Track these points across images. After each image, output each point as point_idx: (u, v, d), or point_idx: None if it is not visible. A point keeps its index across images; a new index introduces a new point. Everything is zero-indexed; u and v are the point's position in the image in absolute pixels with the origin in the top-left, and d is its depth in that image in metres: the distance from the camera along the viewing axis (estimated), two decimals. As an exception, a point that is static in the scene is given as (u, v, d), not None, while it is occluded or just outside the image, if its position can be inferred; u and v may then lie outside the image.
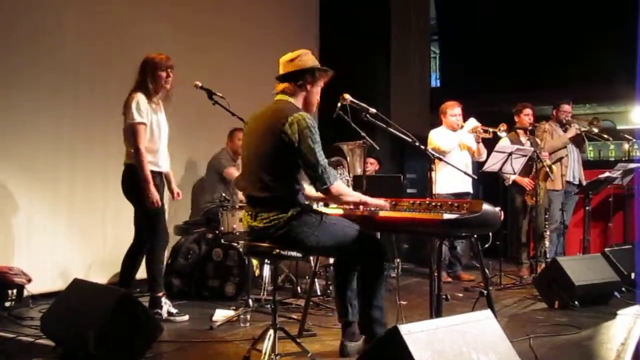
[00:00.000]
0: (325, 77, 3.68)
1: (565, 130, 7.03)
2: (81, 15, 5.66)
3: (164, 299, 4.78)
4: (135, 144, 4.58)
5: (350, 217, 3.77)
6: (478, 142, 6.60)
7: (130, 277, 4.81)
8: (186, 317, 4.78)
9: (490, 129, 6.48)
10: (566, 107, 7.09)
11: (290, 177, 3.47)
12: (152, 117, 4.70)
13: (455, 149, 6.50)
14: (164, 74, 4.74)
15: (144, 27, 6.23)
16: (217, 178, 6.43)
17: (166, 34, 6.44)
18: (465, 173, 4.30)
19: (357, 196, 3.64)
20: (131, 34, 6.06)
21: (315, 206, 4.00)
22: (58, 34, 5.49)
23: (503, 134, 6.50)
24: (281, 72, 3.63)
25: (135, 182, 4.62)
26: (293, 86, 3.59)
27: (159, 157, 4.78)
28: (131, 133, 4.60)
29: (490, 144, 6.52)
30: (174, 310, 4.79)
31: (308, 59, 3.62)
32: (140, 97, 4.62)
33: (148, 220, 4.72)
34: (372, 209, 3.69)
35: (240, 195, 6.35)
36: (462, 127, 6.59)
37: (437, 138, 6.53)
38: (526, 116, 6.95)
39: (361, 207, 3.78)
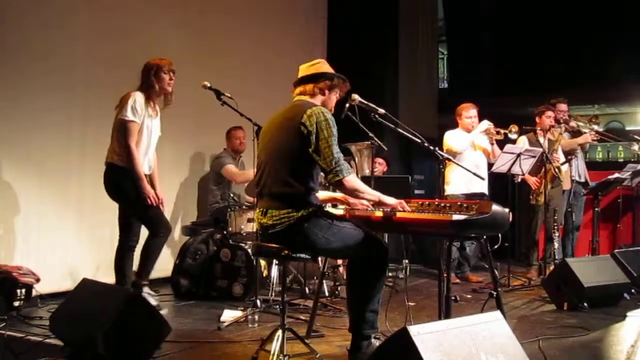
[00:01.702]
0: (342, 87, 3.72)
1: (566, 130, 7.04)
2: (91, 15, 5.68)
3: (146, 289, 4.82)
4: (125, 141, 4.61)
5: (361, 218, 3.76)
6: (492, 144, 6.59)
7: (124, 278, 4.85)
8: (165, 312, 4.85)
9: (502, 130, 6.47)
10: (562, 106, 7.10)
11: (306, 174, 3.47)
12: (145, 119, 4.73)
13: (468, 150, 6.49)
14: (167, 76, 4.78)
15: (154, 29, 6.26)
16: (216, 178, 6.45)
17: (175, 35, 6.47)
18: (474, 174, 4.27)
19: (375, 195, 3.58)
20: (141, 34, 6.08)
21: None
22: (68, 34, 5.51)
23: (514, 136, 6.49)
24: (300, 75, 3.69)
25: (119, 181, 4.65)
26: (312, 88, 3.63)
27: (143, 160, 4.79)
28: (121, 129, 4.62)
29: (502, 145, 6.50)
30: (154, 303, 4.81)
31: (327, 67, 3.71)
32: (138, 97, 4.66)
33: (146, 214, 4.75)
34: (388, 210, 3.66)
35: (248, 197, 6.37)
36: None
37: (450, 139, 6.52)
38: (548, 118, 6.92)
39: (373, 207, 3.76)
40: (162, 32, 6.31)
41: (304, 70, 3.72)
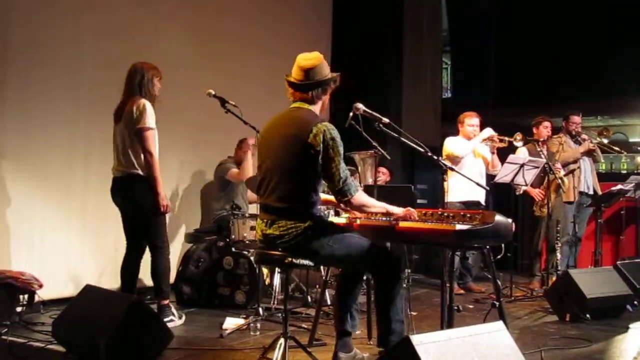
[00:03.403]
0: (338, 80, 3.67)
1: (576, 142, 7.02)
2: (96, 17, 5.69)
3: (172, 307, 4.83)
4: (149, 149, 4.59)
5: (364, 227, 3.77)
6: (493, 153, 6.59)
7: (132, 285, 4.84)
8: (183, 318, 4.93)
9: (506, 138, 6.47)
10: (576, 119, 7.08)
11: (309, 188, 3.47)
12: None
13: (470, 157, 6.49)
14: (159, 83, 4.79)
15: (160, 31, 6.29)
16: (221, 185, 6.44)
17: (182, 38, 6.51)
18: (477, 184, 4.29)
19: (382, 206, 3.61)
20: (147, 38, 6.10)
21: (328, 212, 4.01)
22: (73, 35, 5.53)
23: (519, 144, 6.49)
24: (300, 78, 3.55)
25: (139, 190, 4.63)
26: (314, 96, 3.57)
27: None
28: (143, 138, 4.59)
29: (505, 154, 6.50)
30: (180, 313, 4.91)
31: (325, 66, 3.59)
32: (148, 104, 4.65)
33: (156, 228, 4.73)
34: (394, 219, 3.67)
35: (251, 195, 6.37)
36: None
37: (452, 144, 6.52)
38: (545, 129, 6.94)
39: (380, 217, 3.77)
40: (165, 35, 6.34)
41: (305, 73, 3.53)
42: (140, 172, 4.64)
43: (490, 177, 6.68)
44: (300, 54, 3.62)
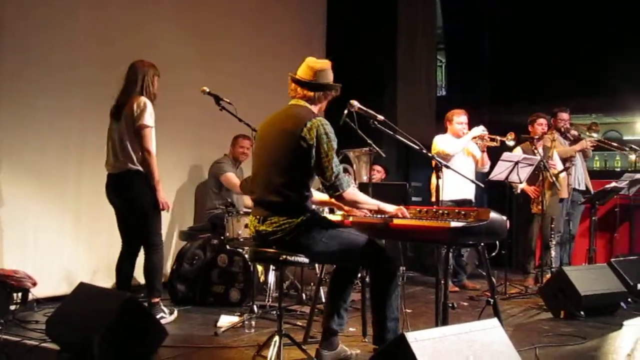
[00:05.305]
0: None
1: (565, 138, 7.04)
2: (90, 16, 5.67)
3: (161, 304, 4.83)
4: (148, 147, 4.60)
5: (359, 224, 3.76)
6: (483, 152, 6.59)
7: (128, 283, 4.83)
8: (175, 314, 4.93)
9: (498, 137, 6.46)
10: (564, 115, 7.09)
11: (302, 183, 3.49)
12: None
13: (461, 155, 6.48)
14: (157, 80, 4.78)
15: (154, 30, 6.27)
16: (216, 184, 6.43)
17: (178, 37, 6.49)
18: (472, 181, 4.29)
19: (375, 203, 3.62)
20: (140, 36, 6.08)
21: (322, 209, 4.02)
22: (67, 35, 5.50)
23: (511, 143, 6.49)
24: (308, 77, 3.59)
25: (137, 187, 4.63)
26: (318, 96, 3.61)
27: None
28: (142, 136, 4.59)
29: (498, 153, 6.49)
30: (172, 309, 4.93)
31: (331, 74, 3.67)
32: (149, 103, 4.65)
33: (151, 226, 4.73)
34: (387, 216, 3.67)
35: (247, 200, 6.37)
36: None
37: (442, 142, 6.51)
38: (540, 126, 6.94)
39: (371, 214, 3.78)
40: (161, 34, 6.32)
41: (316, 74, 3.59)
42: (138, 167, 4.64)
43: (480, 176, 6.67)
44: (309, 57, 3.68)
